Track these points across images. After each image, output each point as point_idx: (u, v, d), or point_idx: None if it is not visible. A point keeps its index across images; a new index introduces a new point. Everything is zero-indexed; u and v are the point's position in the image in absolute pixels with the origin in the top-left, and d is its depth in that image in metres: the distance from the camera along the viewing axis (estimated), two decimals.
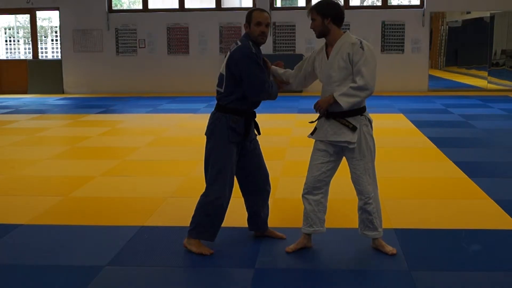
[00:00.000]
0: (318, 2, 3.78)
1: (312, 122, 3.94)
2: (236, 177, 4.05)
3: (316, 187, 3.85)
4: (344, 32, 3.79)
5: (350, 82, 3.67)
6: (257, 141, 4.07)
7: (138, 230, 4.39)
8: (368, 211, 3.83)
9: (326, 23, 3.72)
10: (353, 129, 3.72)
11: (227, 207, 3.92)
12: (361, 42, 3.68)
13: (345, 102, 3.63)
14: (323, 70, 3.79)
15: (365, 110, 3.81)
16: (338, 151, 3.84)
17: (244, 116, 3.86)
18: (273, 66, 4.07)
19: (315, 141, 3.91)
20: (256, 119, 4.03)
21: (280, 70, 4.07)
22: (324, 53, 3.80)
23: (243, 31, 3.91)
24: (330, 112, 3.76)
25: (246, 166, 4.01)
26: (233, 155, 3.86)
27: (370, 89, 3.64)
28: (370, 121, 3.84)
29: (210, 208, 3.85)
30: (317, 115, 3.89)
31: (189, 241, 3.93)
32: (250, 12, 3.88)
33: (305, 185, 3.89)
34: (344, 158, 3.91)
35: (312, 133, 3.90)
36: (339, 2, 3.83)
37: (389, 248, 3.87)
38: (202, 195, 3.90)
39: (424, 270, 3.63)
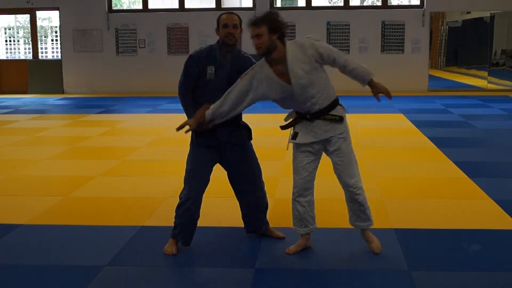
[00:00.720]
0: (265, 15, 3.54)
1: (284, 127, 3.87)
2: (230, 184, 4.11)
3: (306, 188, 3.81)
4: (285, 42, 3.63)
5: (323, 73, 3.61)
6: (246, 151, 4.00)
7: (138, 230, 4.39)
8: (359, 202, 3.79)
9: (274, 39, 3.53)
10: (341, 119, 3.68)
11: (196, 210, 3.92)
12: (303, 39, 3.67)
13: (371, 73, 3.67)
14: (290, 87, 3.58)
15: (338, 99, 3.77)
16: (321, 147, 3.77)
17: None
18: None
19: (295, 144, 3.80)
20: (245, 124, 4.02)
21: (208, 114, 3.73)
22: (271, 73, 3.59)
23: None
24: (312, 113, 3.66)
25: (232, 177, 4.04)
26: (203, 160, 3.88)
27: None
28: (344, 108, 3.79)
29: (179, 211, 3.92)
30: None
31: (170, 241, 3.99)
32: (219, 16, 3.92)
33: (295, 189, 3.82)
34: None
35: (294, 138, 3.76)
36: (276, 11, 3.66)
37: (375, 245, 3.84)
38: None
39: (424, 270, 3.63)
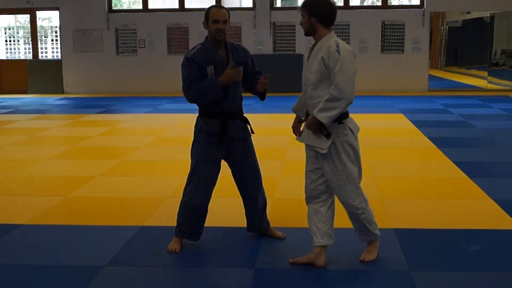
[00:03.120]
0: (307, 1, 3.59)
1: (301, 121, 3.85)
2: (234, 180, 4.11)
3: (312, 196, 3.69)
4: (331, 32, 3.57)
5: (325, 86, 3.45)
6: (247, 144, 4.02)
7: (138, 230, 4.39)
8: (360, 220, 3.67)
9: (313, 21, 3.52)
10: (327, 136, 3.48)
11: (203, 208, 3.94)
12: (337, 46, 3.42)
13: (323, 118, 3.39)
14: (304, 70, 3.68)
15: (345, 117, 3.54)
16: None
17: (219, 118, 3.86)
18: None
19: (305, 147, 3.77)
20: (246, 118, 4.02)
21: (300, 111, 3.81)
22: (309, 52, 3.66)
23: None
24: (307, 114, 3.63)
25: (236, 170, 4.04)
26: (210, 157, 3.88)
27: (347, 98, 3.37)
28: (352, 130, 3.56)
29: (184, 208, 3.93)
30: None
31: (173, 239, 4.00)
32: (207, 9, 3.86)
33: (305, 194, 3.77)
34: None
35: (299, 135, 3.75)
36: (332, 1, 3.61)
37: (364, 256, 3.73)
38: (182, 195, 3.99)
39: (424, 270, 3.63)
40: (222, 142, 3.89)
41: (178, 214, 4.00)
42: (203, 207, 3.94)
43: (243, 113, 4.02)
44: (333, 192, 3.66)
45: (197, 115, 4.00)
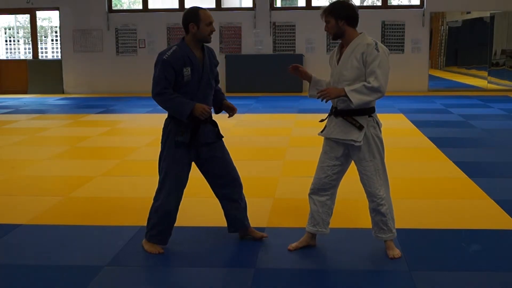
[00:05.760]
0: (331, 4, 3.72)
1: (322, 120, 3.93)
2: (208, 182, 4.08)
3: (322, 188, 3.84)
4: (361, 33, 3.74)
5: (361, 82, 3.63)
6: (218, 146, 3.99)
7: (138, 230, 4.39)
8: (381, 212, 3.78)
9: (340, 25, 3.67)
10: (360, 128, 3.66)
11: (175, 212, 3.93)
12: (376, 44, 3.63)
13: (356, 99, 3.54)
14: (336, 68, 3.76)
15: (373, 112, 3.74)
16: (347, 153, 3.80)
17: (191, 124, 3.83)
18: (314, 77, 3.92)
19: (324, 142, 3.88)
20: (215, 122, 3.99)
21: (321, 81, 3.92)
22: (338, 52, 3.78)
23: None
24: (338, 110, 3.73)
25: (209, 171, 4.00)
26: (182, 161, 3.86)
27: (382, 92, 3.59)
28: (378, 124, 3.77)
29: (156, 213, 3.91)
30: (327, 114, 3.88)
31: (144, 242, 4.00)
32: (195, 11, 3.78)
33: (312, 185, 3.89)
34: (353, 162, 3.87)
35: (322, 131, 3.88)
36: (353, 2, 3.76)
37: (392, 253, 3.81)
38: (153, 200, 3.96)
39: (424, 270, 3.63)
40: (192, 146, 3.86)
41: (150, 218, 3.96)
42: (175, 212, 3.94)
43: (212, 117, 3.97)
44: (361, 182, 3.81)
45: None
